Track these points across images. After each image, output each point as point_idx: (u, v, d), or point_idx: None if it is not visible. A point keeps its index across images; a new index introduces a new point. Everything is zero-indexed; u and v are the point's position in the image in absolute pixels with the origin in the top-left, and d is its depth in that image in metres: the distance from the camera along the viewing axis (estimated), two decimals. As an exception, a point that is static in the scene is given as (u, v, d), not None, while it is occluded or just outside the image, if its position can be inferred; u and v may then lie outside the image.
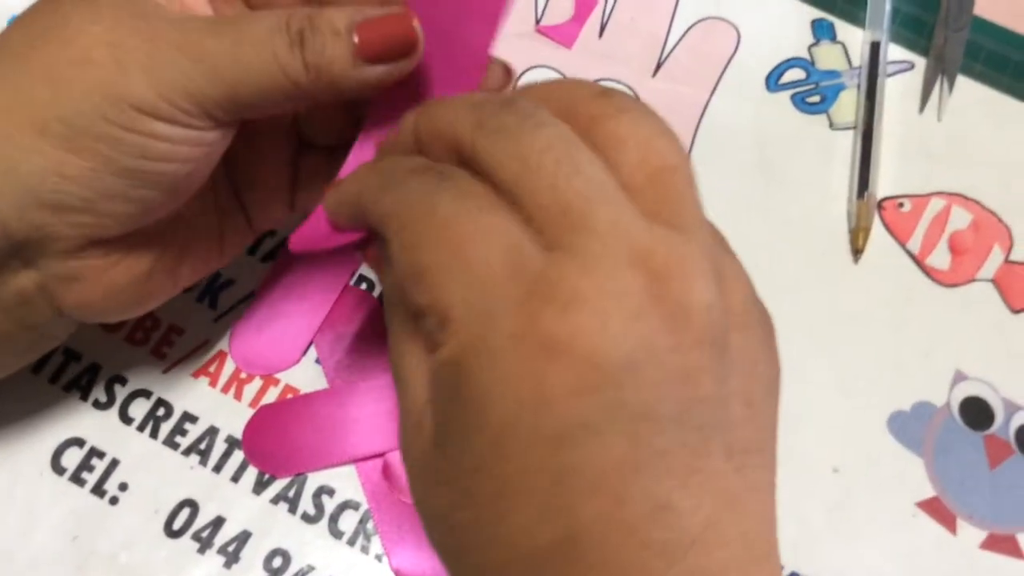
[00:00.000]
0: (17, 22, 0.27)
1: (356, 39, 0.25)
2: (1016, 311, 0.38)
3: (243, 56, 0.25)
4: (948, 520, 0.34)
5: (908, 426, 0.36)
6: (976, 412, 0.36)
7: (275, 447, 0.34)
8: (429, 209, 0.21)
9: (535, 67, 0.41)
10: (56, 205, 0.25)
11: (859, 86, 0.41)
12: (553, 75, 0.41)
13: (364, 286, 0.36)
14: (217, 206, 0.31)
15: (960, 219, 0.39)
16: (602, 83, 0.40)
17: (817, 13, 0.43)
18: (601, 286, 0.20)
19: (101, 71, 0.24)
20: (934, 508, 0.35)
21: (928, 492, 0.35)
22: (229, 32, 0.25)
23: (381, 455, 0.34)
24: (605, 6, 0.42)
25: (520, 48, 0.41)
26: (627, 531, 0.20)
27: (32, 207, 0.25)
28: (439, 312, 0.21)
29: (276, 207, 0.33)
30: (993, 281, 0.38)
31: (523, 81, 0.40)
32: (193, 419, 0.34)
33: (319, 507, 0.33)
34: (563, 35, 0.42)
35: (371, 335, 0.36)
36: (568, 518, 0.20)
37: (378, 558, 0.33)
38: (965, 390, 0.36)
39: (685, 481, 0.20)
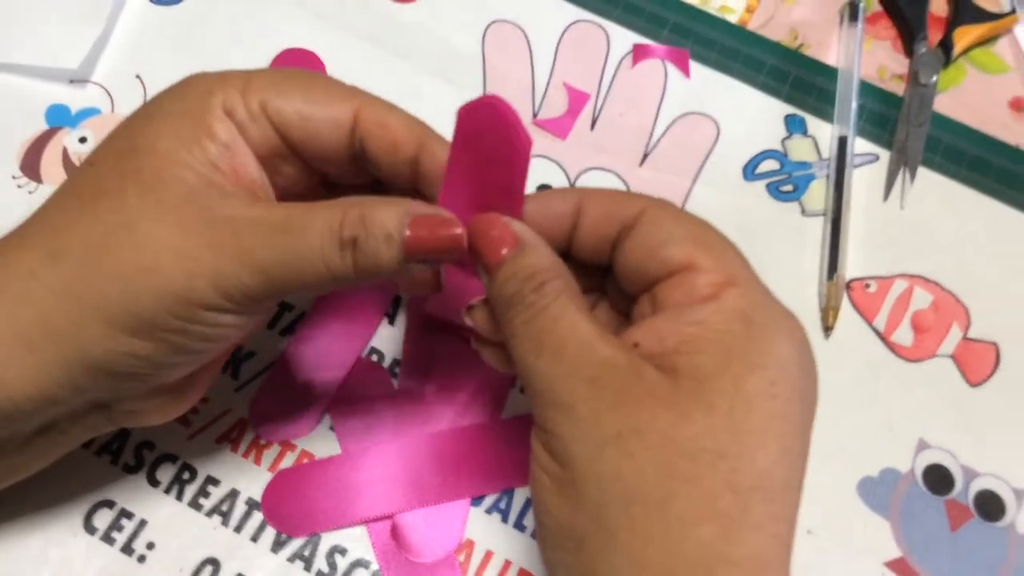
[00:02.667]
0: (83, 199, 0.28)
1: (407, 238, 0.27)
2: (974, 385, 0.41)
3: (297, 266, 0.27)
4: (913, 579, 0.37)
5: (876, 491, 0.39)
6: (938, 478, 0.39)
7: (292, 509, 0.36)
8: None
9: (533, 156, 0.44)
10: (124, 375, 0.28)
11: (828, 176, 0.45)
12: (549, 164, 0.44)
13: (375, 358, 0.39)
14: None
15: (922, 299, 0.43)
16: (594, 172, 0.44)
17: (790, 109, 0.47)
18: None
19: (171, 280, 0.26)
20: (901, 568, 0.37)
21: (895, 553, 0.38)
22: (285, 243, 0.27)
23: (390, 516, 0.36)
24: (596, 101, 0.46)
25: (518, 139, 0.45)
26: None
27: (103, 377, 0.27)
28: None
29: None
30: (953, 357, 0.41)
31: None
32: (216, 482, 0.37)
33: (332, 565, 0.36)
34: (558, 128, 0.45)
35: (380, 403, 0.38)
36: None
37: (387, 614, 0.35)
38: (928, 458, 0.39)
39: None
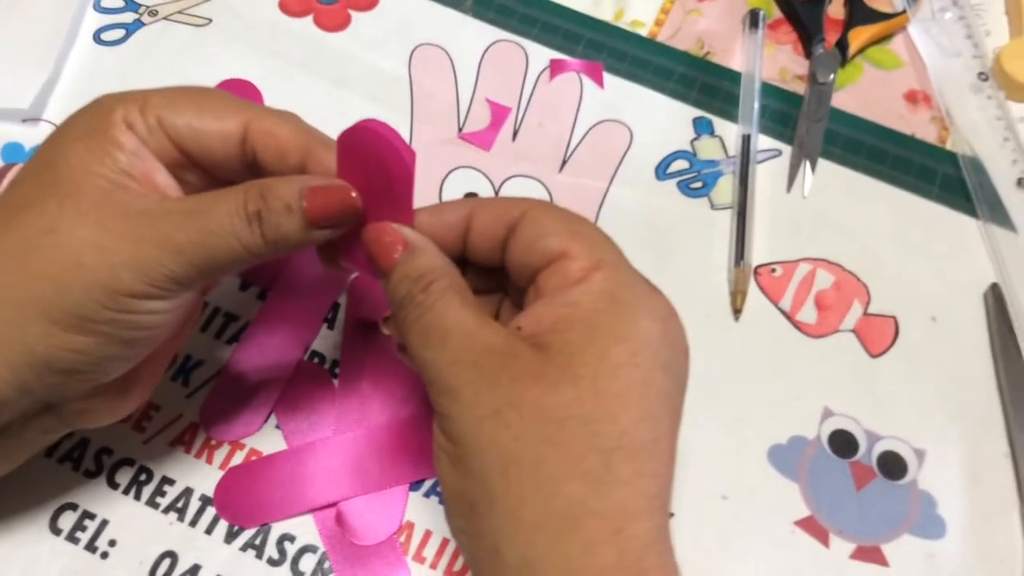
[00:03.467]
0: (7, 214, 0.30)
1: (305, 207, 0.30)
2: (874, 356, 0.44)
3: (211, 243, 0.29)
4: (822, 535, 0.40)
5: (785, 457, 0.42)
6: (842, 442, 0.42)
7: (242, 502, 0.39)
8: None
9: (459, 167, 0.48)
10: (69, 371, 0.30)
11: (734, 172, 0.48)
12: (474, 174, 0.47)
13: (316, 360, 0.42)
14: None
15: (824, 280, 0.46)
16: (517, 179, 0.47)
17: (698, 112, 0.50)
18: None
19: (95, 272, 0.29)
20: (809, 526, 0.40)
21: (804, 512, 0.41)
22: (197, 224, 0.29)
23: (334, 504, 0.39)
24: (517, 114, 0.49)
25: (445, 153, 0.48)
26: None
27: (49, 375, 0.30)
28: None
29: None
30: (854, 331, 0.45)
31: (449, 179, 0.47)
32: (171, 482, 0.39)
33: (282, 552, 0.38)
34: (482, 140, 0.49)
35: (322, 401, 0.41)
36: None
37: (334, 593, 0.38)
38: (833, 424, 0.43)
39: None
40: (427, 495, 0.40)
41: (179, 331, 0.36)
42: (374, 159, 0.30)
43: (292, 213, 0.30)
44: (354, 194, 0.31)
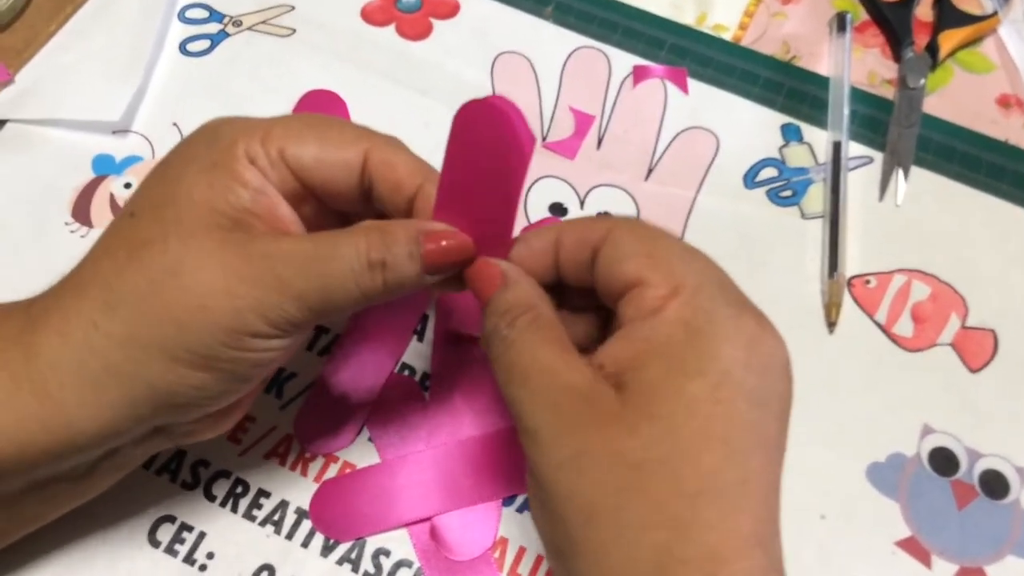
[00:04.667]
0: (130, 248, 0.30)
1: (423, 256, 0.30)
2: (974, 371, 0.43)
3: (331, 289, 0.30)
4: (923, 556, 0.39)
5: (884, 475, 0.41)
6: (943, 460, 0.41)
7: (337, 515, 0.39)
8: None
9: (543, 177, 0.47)
10: (185, 404, 0.31)
11: (825, 180, 0.47)
12: (559, 184, 0.47)
13: (407, 372, 0.42)
14: None
15: (920, 292, 0.45)
16: (602, 188, 0.47)
17: (786, 119, 0.49)
18: None
19: (219, 315, 0.29)
20: (911, 546, 0.40)
21: (904, 532, 0.40)
22: (318, 270, 0.29)
23: (428, 519, 0.39)
24: (601, 122, 0.49)
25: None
26: None
27: (166, 409, 0.30)
28: None
29: None
30: (952, 345, 0.44)
31: (534, 189, 0.47)
32: (267, 494, 0.40)
33: (378, 567, 0.38)
34: (566, 149, 0.48)
35: (413, 414, 0.41)
36: None
37: (430, 609, 0.38)
38: (932, 442, 0.42)
39: None
40: (520, 510, 0.40)
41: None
42: (489, 140, 0.29)
43: (414, 260, 0.30)
44: (468, 239, 0.31)
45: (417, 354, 0.43)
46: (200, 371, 0.30)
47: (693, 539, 0.25)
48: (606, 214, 0.46)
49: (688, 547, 0.25)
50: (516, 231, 0.35)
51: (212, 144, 0.31)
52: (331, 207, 0.33)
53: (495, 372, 0.30)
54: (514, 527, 0.39)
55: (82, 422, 0.30)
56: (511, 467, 0.40)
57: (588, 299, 0.33)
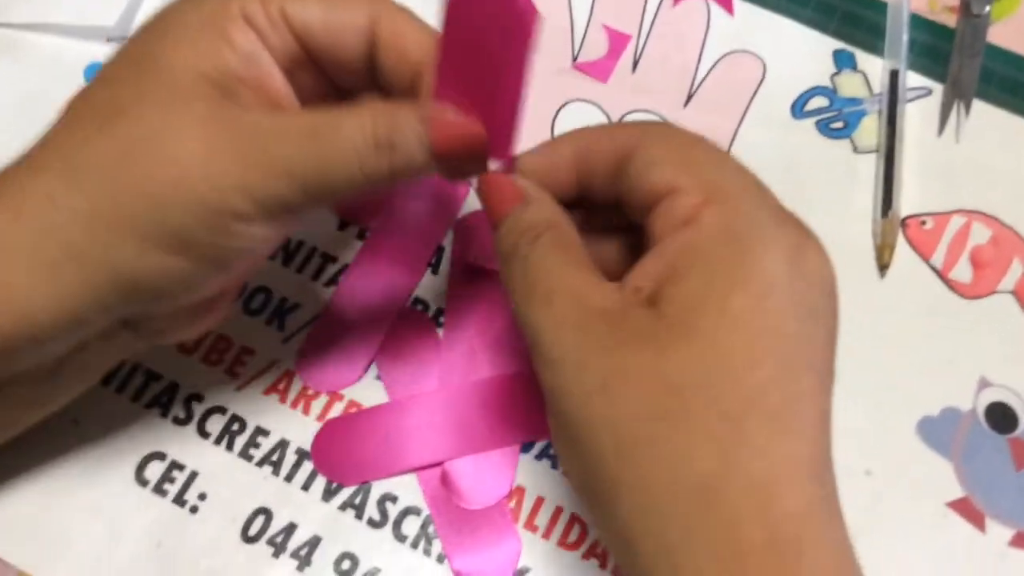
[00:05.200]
0: (99, 115, 0.27)
1: (433, 140, 0.27)
2: (1037, 321, 0.40)
3: (330, 170, 0.27)
4: (977, 519, 0.36)
5: (936, 430, 0.38)
6: (1001, 416, 0.38)
7: (342, 458, 0.36)
8: None
9: (573, 100, 0.43)
10: (155, 294, 0.27)
11: (880, 112, 0.43)
12: (590, 108, 0.43)
13: (420, 307, 0.39)
14: None
15: (980, 235, 0.41)
16: (636, 114, 0.43)
17: (838, 44, 0.45)
18: None
19: (200, 191, 0.26)
20: (964, 508, 0.36)
21: (957, 493, 0.37)
22: (316, 149, 0.26)
23: (439, 464, 0.36)
24: (638, 42, 0.45)
25: (558, 84, 0.44)
26: None
27: (133, 297, 0.27)
28: None
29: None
30: (1013, 293, 0.40)
31: (562, 114, 0.43)
32: (265, 433, 0.37)
33: (383, 513, 0.35)
34: (599, 71, 0.44)
35: (426, 352, 0.38)
36: None
37: (439, 559, 0.35)
38: (990, 396, 0.38)
39: None
40: (539, 457, 0.37)
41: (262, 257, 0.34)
42: (487, 16, 0.26)
43: (424, 145, 0.27)
44: (481, 128, 0.27)
45: (431, 288, 0.39)
46: (172, 255, 0.26)
47: (741, 468, 0.23)
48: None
49: (736, 478, 0.23)
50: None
51: (203, 1, 0.28)
52: (332, 77, 0.30)
53: (512, 296, 0.27)
54: (532, 475, 0.36)
55: (37, 311, 0.26)
56: (529, 410, 0.37)
57: (613, 219, 0.29)
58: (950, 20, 0.46)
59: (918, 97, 0.44)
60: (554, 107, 0.43)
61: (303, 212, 0.28)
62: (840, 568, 0.24)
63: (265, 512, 0.35)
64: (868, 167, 0.42)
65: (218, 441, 0.36)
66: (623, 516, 0.24)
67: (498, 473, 0.36)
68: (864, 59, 0.45)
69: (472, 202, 0.41)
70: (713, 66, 0.44)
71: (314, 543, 0.35)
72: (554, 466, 0.36)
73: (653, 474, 0.23)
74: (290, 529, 0.35)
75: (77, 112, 0.28)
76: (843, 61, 0.45)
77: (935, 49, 0.45)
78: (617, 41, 0.45)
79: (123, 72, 0.28)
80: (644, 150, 0.27)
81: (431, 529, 0.35)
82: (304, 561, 0.35)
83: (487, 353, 0.38)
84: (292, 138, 0.26)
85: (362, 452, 0.36)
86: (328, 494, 0.36)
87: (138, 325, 0.30)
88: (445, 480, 0.36)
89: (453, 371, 0.38)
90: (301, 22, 0.28)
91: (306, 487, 0.36)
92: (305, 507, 0.35)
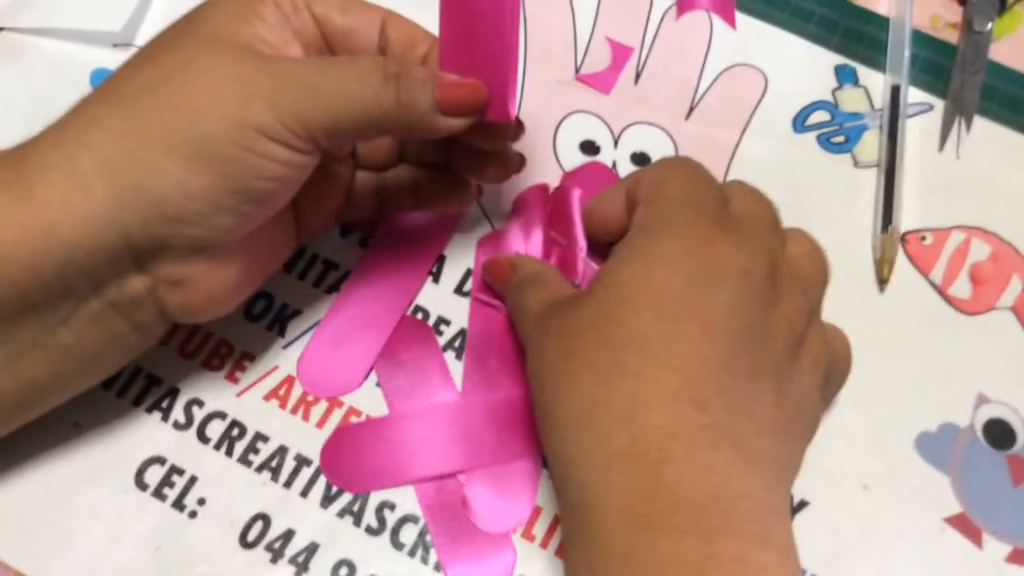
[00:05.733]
0: (142, 58, 0.30)
1: (439, 88, 0.31)
2: (1035, 337, 0.40)
3: (348, 89, 0.29)
4: (974, 535, 0.36)
5: (934, 445, 0.38)
6: (999, 433, 0.38)
7: (351, 465, 0.36)
8: None
9: (576, 112, 0.44)
10: (175, 218, 0.28)
11: (881, 127, 0.44)
12: (592, 120, 0.43)
13: (420, 315, 0.39)
14: (279, 219, 0.34)
15: (980, 251, 0.41)
16: (638, 126, 0.43)
17: (840, 59, 0.45)
18: None
19: (228, 100, 0.28)
20: (961, 523, 0.36)
21: (955, 508, 0.37)
22: (337, 70, 0.30)
23: (449, 476, 0.36)
24: (640, 55, 0.45)
25: (561, 95, 0.44)
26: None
27: (153, 220, 0.28)
28: None
29: (323, 224, 0.37)
30: (1012, 309, 0.40)
31: (564, 125, 0.43)
32: (265, 438, 0.37)
33: (381, 520, 0.35)
34: (601, 82, 0.44)
35: (426, 360, 0.38)
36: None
37: (437, 568, 0.35)
38: (988, 412, 0.38)
39: None
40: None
41: (282, 246, 0.36)
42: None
43: (426, 86, 0.31)
44: (483, 88, 0.32)
45: (432, 296, 0.39)
46: (196, 173, 0.28)
47: (615, 385, 0.28)
48: (642, 155, 0.43)
49: (610, 392, 0.28)
50: (549, 175, 0.42)
51: None
52: None
53: (515, 321, 0.36)
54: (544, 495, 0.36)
55: (66, 227, 0.27)
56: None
57: None
58: (952, 37, 0.47)
59: (919, 113, 0.44)
60: (557, 118, 0.43)
61: (321, 146, 0.30)
62: (712, 489, 0.27)
63: (263, 518, 0.35)
64: (869, 182, 0.43)
65: (218, 446, 0.36)
66: (547, 441, 0.30)
67: (518, 495, 0.36)
68: (866, 74, 0.45)
69: (476, 213, 0.41)
70: (715, 79, 0.45)
71: (312, 549, 0.35)
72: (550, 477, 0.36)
73: (553, 397, 0.30)
74: (288, 535, 0.35)
75: (127, 61, 0.31)
76: (845, 76, 0.45)
77: (937, 65, 0.46)
78: (620, 53, 0.45)
79: (165, 33, 0.31)
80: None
81: (429, 537, 0.35)
82: (302, 567, 0.35)
83: (506, 372, 0.38)
84: (315, 65, 0.30)
85: (373, 460, 0.36)
86: (327, 500, 0.36)
87: (152, 270, 0.30)
88: (465, 504, 0.36)
89: (474, 388, 0.38)
90: (323, 11, 0.32)
91: (304, 493, 0.36)
92: (303, 513, 0.35)
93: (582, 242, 0.38)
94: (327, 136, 0.30)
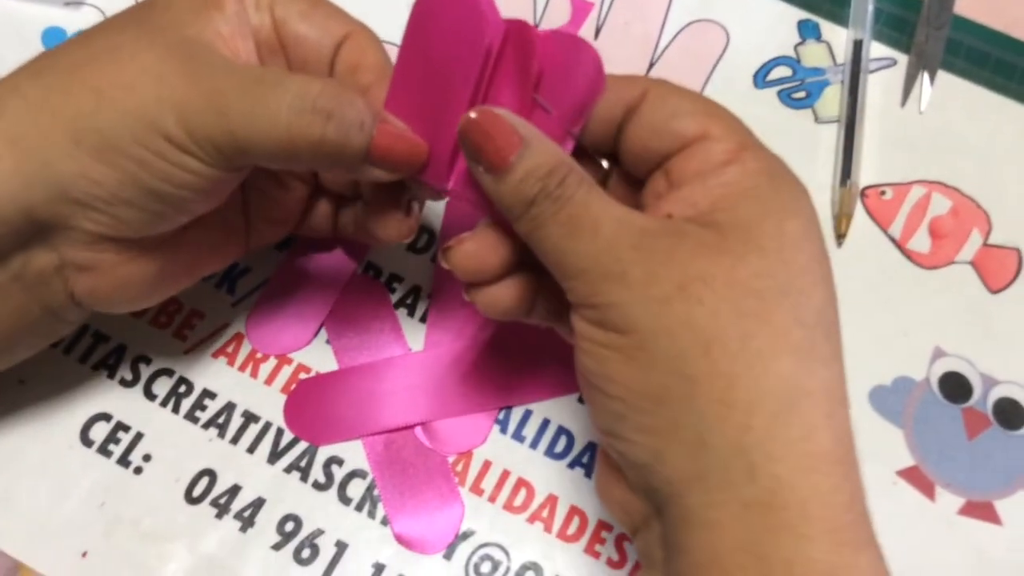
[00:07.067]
0: (87, 32, 0.30)
1: (373, 140, 0.28)
2: (994, 292, 0.39)
3: (261, 120, 0.27)
4: (927, 488, 0.36)
5: (889, 399, 0.37)
6: (955, 386, 0.38)
7: (315, 418, 0.36)
8: None
9: (533, 68, 0.43)
10: (79, 202, 0.28)
11: (843, 82, 0.43)
12: (550, 75, 0.43)
13: (372, 273, 0.39)
14: (225, 223, 0.33)
15: (940, 205, 0.41)
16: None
17: (803, 14, 0.45)
18: None
19: (142, 99, 0.27)
20: (913, 476, 0.36)
21: (908, 461, 0.36)
22: (256, 93, 0.27)
23: (411, 427, 0.36)
24: (601, 10, 0.45)
25: (519, 51, 0.43)
26: None
27: (58, 199, 0.27)
28: None
29: (277, 233, 0.36)
30: (972, 263, 0.40)
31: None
32: (212, 395, 0.36)
33: (329, 476, 0.35)
34: (560, 38, 0.44)
35: (377, 317, 0.38)
36: None
37: (384, 522, 0.35)
38: (944, 366, 0.38)
39: None
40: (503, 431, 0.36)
41: (227, 248, 0.34)
42: (451, 25, 0.27)
43: (362, 132, 0.28)
44: (425, 146, 0.29)
45: (384, 254, 0.39)
46: (101, 163, 0.27)
47: (815, 372, 0.25)
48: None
49: (812, 379, 0.25)
50: None
51: None
52: (298, 70, 0.32)
53: (544, 232, 0.26)
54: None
55: None
56: (505, 377, 0.37)
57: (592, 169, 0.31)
58: (918, -9, 0.46)
59: (882, 68, 0.44)
60: (514, 74, 0.43)
61: (228, 165, 0.28)
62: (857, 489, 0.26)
63: (210, 474, 0.35)
64: (829, 137, 0.42)
65: (164, 403, 0.36)
66: (698, 412, 0.25)
67: (475, 426, 0.36)
68: (829, 29, 0.45)
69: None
70: (676, 35, 0.44)
71: (258, 504, 0.35)
72: (503, 430, 0.36)
73: (740, 370, 0.25)
74: (234, 491, 0.35)
75: (78, 34, 0.31)
76: (807, 31, 0.44)
77: (901, 19, 0.45)
78: (580, 9, 0.44)
79: (122, 13, 0.31)
80: (663, 100, 0.28)
81: (376, 493, 0.35)
82: (247, 522, 0.34)
83: (472, 323, 0.38)
84: (238, 78, 0.27)
85: (336, 412, 0.36)
86: (274, 456, 0.36)
87: (59, 246, 0.29)
88: (390, 444, 0.36)
89: (439, 335, 0.37)
90: (282, 14, 0.31)
91: (251, 450, 0.36)
92: (250, 469, 0.35)
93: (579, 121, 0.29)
94: (239, 160, 0.28)
